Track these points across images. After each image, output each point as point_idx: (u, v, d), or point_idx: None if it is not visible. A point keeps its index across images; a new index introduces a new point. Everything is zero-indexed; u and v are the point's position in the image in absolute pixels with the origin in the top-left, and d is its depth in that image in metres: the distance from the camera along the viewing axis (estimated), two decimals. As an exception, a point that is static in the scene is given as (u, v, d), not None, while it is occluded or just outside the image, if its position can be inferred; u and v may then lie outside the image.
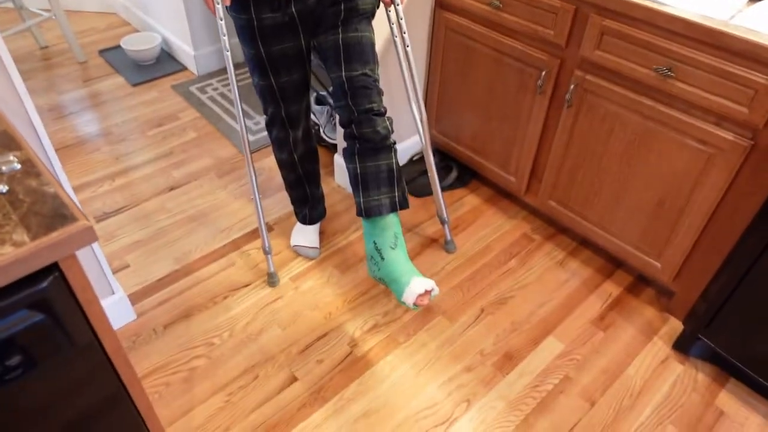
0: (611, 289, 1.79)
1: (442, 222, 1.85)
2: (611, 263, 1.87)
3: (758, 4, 1.33)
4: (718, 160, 1.38)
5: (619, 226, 1.69)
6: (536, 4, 1.56)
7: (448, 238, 1.88)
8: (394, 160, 1.46)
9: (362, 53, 1.40)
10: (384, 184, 1.44)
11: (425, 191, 2.11)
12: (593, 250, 1.92)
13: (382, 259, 1.43)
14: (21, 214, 0.71)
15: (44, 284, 0.70)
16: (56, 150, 2.28)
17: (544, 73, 1.64)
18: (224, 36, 1.41)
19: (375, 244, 1.45)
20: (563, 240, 1.95)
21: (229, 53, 1.44)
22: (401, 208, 1.47)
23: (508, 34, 1.69)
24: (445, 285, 1.78)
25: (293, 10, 1.35)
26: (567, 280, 1.81)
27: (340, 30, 1.39)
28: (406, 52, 1.58)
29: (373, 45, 1.42)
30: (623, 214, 1.66)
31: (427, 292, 1.38)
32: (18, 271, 0.67)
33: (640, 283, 1.81)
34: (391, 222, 1.44)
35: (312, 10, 1.37)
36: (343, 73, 1.39)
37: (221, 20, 1.37)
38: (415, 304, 1.38)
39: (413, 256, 1.87)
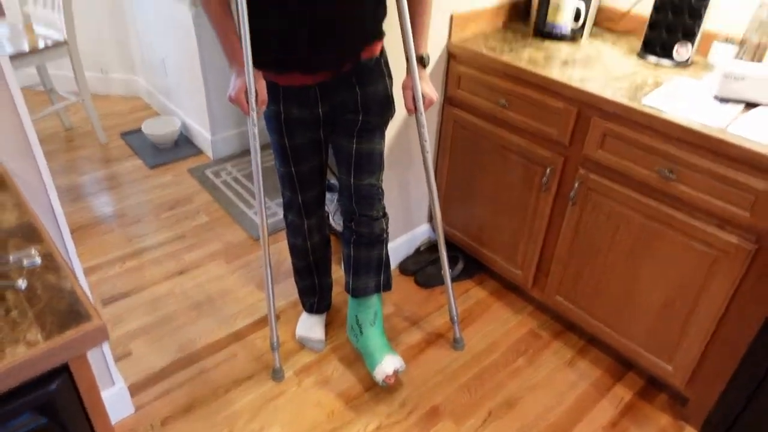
0: (623, 393, 1.73)
1: (453, 321, 1.84)
2: (622, 364, 1.82)
3: (752, 111, 1.39)
4: (724, 262, 1.38)
5: (626, 325, 1.67)
6: (540, 105, 1.63)
7: (457, 336, 1.85)
8: (384, 251, 1.64)
9: (371, 164, 1.51)
10: (373, 271, 1.63)
11: (432, 282, 2.11)
12: (602, 349, 1.87)
13: (362, 333, 1.64)
14: (37, 311, 0.72)
15: (53, 386, 0.70)
16: (71, 231, 2.32)
17: (548, 170, 1.68)
18: (255, 141, 1.42)
19: (357, 318, 1.65)
20: (571, 338, 1.91)
21: (257, 154, 1.43)
22: (384, 290, 1.67)
23: (514, 131, 1.75)
24: (451, 384, 1.73)
25: (320, 110, 1.43)
26: (576, 382, 1.75)
27: (354, 140, 1.48)
28: (424, 157, 1.59)
29: (382, 154, 1.54)
30: (630, 313, 1.64)
31: (395, 372, 1.60)
32: (28, 372, 0.67)
33: (652, 387, 1.75)
34: (374, 301, 1.65)
35: (335, 112, 1.45)
36: (352, 180, 1.51)
37: (254, 125, 1.39)
38: (383, 381, 1.59)
39: (418, 351, 1.84)
